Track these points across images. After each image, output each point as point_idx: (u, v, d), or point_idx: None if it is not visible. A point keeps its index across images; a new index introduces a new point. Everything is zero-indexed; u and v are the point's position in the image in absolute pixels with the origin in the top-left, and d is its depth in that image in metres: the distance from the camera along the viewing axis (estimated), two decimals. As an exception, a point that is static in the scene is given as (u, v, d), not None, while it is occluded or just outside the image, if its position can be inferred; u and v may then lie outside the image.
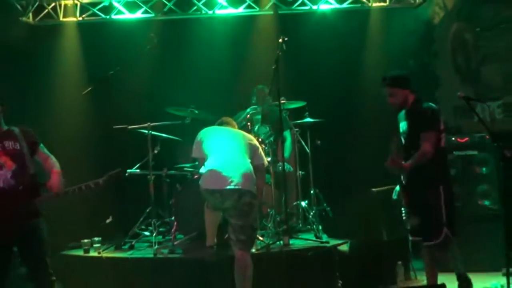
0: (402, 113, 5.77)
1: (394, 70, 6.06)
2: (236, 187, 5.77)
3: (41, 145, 5.53)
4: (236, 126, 6.62)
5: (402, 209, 6.00)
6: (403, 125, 5.78)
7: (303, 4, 8.93)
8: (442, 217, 5.56)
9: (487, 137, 6.53)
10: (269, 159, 7.08)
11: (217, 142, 6.12)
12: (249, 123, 7.50)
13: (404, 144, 5.77)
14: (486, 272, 6.77)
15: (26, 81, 6.64)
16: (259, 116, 7.64)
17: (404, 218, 6.01)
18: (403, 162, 5.49)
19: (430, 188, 5.64)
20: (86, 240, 7.30)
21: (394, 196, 6.12)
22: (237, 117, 7.39)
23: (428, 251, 5.78)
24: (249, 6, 8.93)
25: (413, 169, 5.55)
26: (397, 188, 6.02)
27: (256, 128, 7.58)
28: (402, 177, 5.79)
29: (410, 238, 6.02)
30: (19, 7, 8.48)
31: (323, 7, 8.94)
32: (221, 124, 6.48)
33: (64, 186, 5.42)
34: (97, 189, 5.32)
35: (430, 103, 5.77)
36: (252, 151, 6.12)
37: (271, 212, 7.31)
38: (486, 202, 7.20)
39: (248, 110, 7.70)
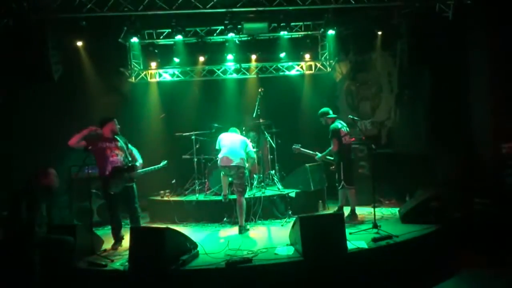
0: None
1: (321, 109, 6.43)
2: (236, 164, 5.81)
3: (129, 144, 5.55)
4: (239, 132, 6.51)
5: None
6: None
7: (271, 72, 8.90)
8: (341, 176, 6.06)
9: (363, 138, 6.55)
10: (255, 149, 6.97)
11: (227, 141, 6.10)
12: (244, 131, 7.37)
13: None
14: (364, 205, 6.74)
15: (131, 113, 6.60)
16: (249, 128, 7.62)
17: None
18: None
19: (338, 162, 6.12)
20: (162, 191, 7.31)
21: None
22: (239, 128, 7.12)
23: (341, 192, 6.22)
24: (243, 73, 8.88)
25: (334, 154, 6.15)
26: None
27: (250, 134, 7.50)
28: (332, 157, 6.27)
29: (338, 185, 6.27)
30: (127, 73, 8.42)
31: (282, 73, 8.91)
32: (230, 131, 6.40)
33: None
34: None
35: (336, 123, 6.21)
36: (245, 147, 6.08)
37: (256, 176, 7.27)
38: (363, 171, 7.16)
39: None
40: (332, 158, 6.31)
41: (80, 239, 4.82)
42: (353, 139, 7.07)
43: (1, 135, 6.36)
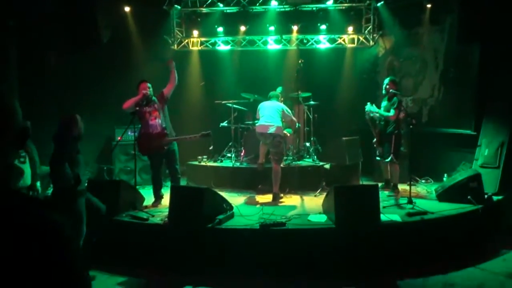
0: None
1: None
2: (271, 132, 5.80)
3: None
4: (278, 98, 6.31)
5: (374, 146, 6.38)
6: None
7: (311, 44, 8.66)
8: (391, 149, 6.01)
9: (404, 114, 6.32)
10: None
11: (265, 110, 6.04)
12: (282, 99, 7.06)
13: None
14: (400, 182, 6.36)
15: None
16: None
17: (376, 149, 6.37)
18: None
19: (389, 134, 6.05)
20: (200, 157, 7.46)
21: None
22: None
23: (385, 164, 6.30)
24: (284, 45, 8.67)
25: (383, 128, 6.11)
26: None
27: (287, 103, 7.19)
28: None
29: (378, 159, 6.40)
30: (170, 41, 8.42)
31: (322, 46, 8.64)
32: (269, 97, 6.25)
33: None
34: (196, 139, 5.60)
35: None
36: (283, 114, 6.01)
37: (291, 147, 7.26)
38: (402, 148, 6.94)
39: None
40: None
41: (124, 194, 5.16)
42: (405, 114, 6.79)
43: (51, 95, 6.67)
